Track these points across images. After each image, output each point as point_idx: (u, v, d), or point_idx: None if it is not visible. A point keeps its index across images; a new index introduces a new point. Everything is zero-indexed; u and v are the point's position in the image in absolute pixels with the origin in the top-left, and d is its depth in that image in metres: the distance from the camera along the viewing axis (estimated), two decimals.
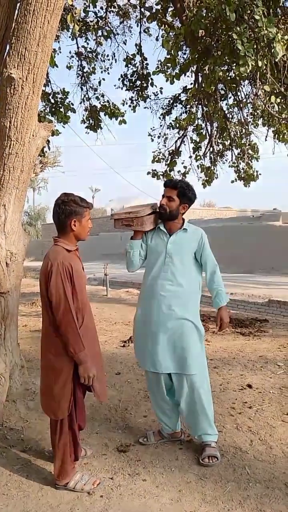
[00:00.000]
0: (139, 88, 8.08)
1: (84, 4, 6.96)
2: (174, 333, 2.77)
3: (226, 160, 8.72)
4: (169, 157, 8.58)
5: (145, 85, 8.04)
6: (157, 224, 2.95)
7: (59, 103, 7.10)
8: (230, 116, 8.24)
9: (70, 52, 8.00)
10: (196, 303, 2.91)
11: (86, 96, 8.07)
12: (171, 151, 8.61)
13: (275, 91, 5.69)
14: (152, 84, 8.04)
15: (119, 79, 8.10)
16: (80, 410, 2.47)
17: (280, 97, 5.88)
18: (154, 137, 8.75)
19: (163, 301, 2.78)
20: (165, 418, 2.97)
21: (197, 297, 2.93)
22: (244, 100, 7.46)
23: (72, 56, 7.96)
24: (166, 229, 2.91)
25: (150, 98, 8.30)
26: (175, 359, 2.77)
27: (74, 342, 2.27)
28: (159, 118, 8.64)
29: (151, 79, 7.95)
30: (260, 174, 8.26)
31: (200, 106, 7.95)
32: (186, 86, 8.09)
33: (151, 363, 2.82)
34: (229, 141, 8.15)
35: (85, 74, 8.05)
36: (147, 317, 2.84)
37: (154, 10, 6.68)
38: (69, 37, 7.38)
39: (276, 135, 7.40)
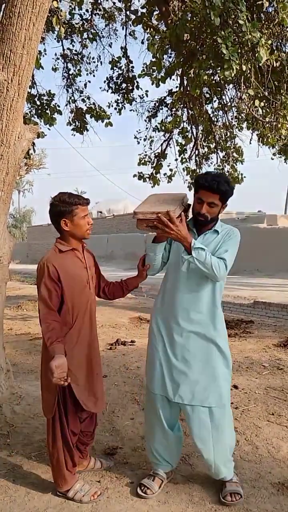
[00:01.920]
0: (124, 91, 8.10)
1: (70, 6, 6.96)
2: (196, 357, 2.34)
3: (211, 163, 8.80)
4: (155, 159, 8.62)
5: (130, 88, 8.06)
6: (187, 220, 2.43)
7: (45, 105, 7.08)
8: (215, 119, 8.31)
9: (55, 54, 7.96)
10: (223, 319, 2.43)
11: (72, 98, 8.06)
12: (157, 154, 8.65)
13: (259, 95, 5.77)
14: (137, 87, 8.06)
15: (104, 81, 8.11)
16: (72, 415, 2.39)
17: (264, 101, 5.97)
18: (140, 139, 8.79)
19: (184, 315, 2.35)
20: (167, 453, 2.51)
21: (221, 313, 2.43)
22: (229, 103, 7.54)
23: (58, 58, 7.95)
24: (195, 229, 2.44)
25: (135, 101, 8.32)
26: (192, 388, 2.33)
27: (45, 337, 2.19)
28: (145, 121, 8.68)
29: (137, 82, 7.98)
30: (244, 176, 8.34)
31: (185, 109, 8.01)
32: (171, 89, 8.15)
33: (162, 387, 2.40)
34: (214, 144, 8.23)
35: (70, 76, 8.04)
36: (165, 332, 2.42)
37: (139, 14, 6.71)
38: (55, 39, 7.37)
39: (260, 139, 7.50)
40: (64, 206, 2.32)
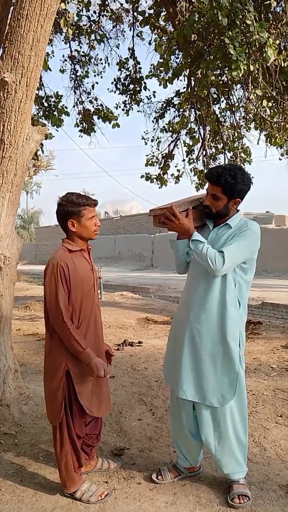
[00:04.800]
0: (132, 91, 8.12)
1: (77, 8, 6.99)
2: (201, 355, 2.33)
3: (219, 164, 8.77)
4: (163, 160, 8.63)
5: (138, 88, 8.08)
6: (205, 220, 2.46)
7: (52, 106, 7.11)
8: (223, 119, 8.30)
9: (63, 56, 8.01)
10: (237, 321, 2.33)
11: (80, 99, 8.10)
12: (164, 155, 8.65)
13: (267, 95, 5.75)
14: (145, 88, 8.09)
15: (112, 82, 8.14)
16: (78, 419, 2.38)
17: (272, 101, 5.94)
18: (148, 140, 8.80)
19: (194, 313, 2.35)
20: (184, 449, 2.55)
21: (236, 313, 2.32)
22: (237, 104, 7.52)
23: (65, 60, 7.99)
24: (212, 223, 2.44)
25: (143, 102, 8.35)
26: (196, 385, 2.36)
27: (71, 344, 2.21)
28: (152, 121, 8.69)
29: (144, 83, 8.02)
30: (252, 177, 8.29)
31: (193, 110, 8.00)
32: (179, 90, 8.15)
33: (170, 380, 2.51)
34: (221, 144, 8.21)
35: (78, 78, 8.08)
36: (178, 328, 2.48)
37: (147, 15, 6.73)
38: (62, 40, 7.43)
39: (268, 139, 7.47)
40: (71, 206, 2.30)
